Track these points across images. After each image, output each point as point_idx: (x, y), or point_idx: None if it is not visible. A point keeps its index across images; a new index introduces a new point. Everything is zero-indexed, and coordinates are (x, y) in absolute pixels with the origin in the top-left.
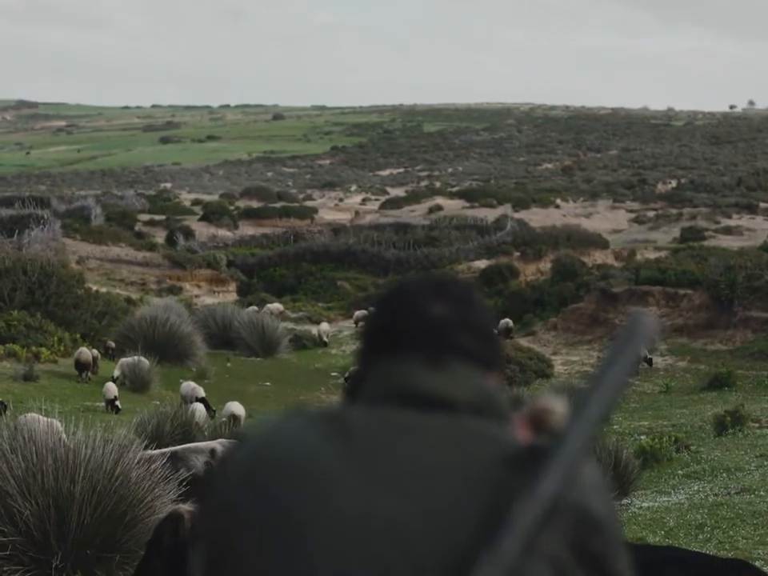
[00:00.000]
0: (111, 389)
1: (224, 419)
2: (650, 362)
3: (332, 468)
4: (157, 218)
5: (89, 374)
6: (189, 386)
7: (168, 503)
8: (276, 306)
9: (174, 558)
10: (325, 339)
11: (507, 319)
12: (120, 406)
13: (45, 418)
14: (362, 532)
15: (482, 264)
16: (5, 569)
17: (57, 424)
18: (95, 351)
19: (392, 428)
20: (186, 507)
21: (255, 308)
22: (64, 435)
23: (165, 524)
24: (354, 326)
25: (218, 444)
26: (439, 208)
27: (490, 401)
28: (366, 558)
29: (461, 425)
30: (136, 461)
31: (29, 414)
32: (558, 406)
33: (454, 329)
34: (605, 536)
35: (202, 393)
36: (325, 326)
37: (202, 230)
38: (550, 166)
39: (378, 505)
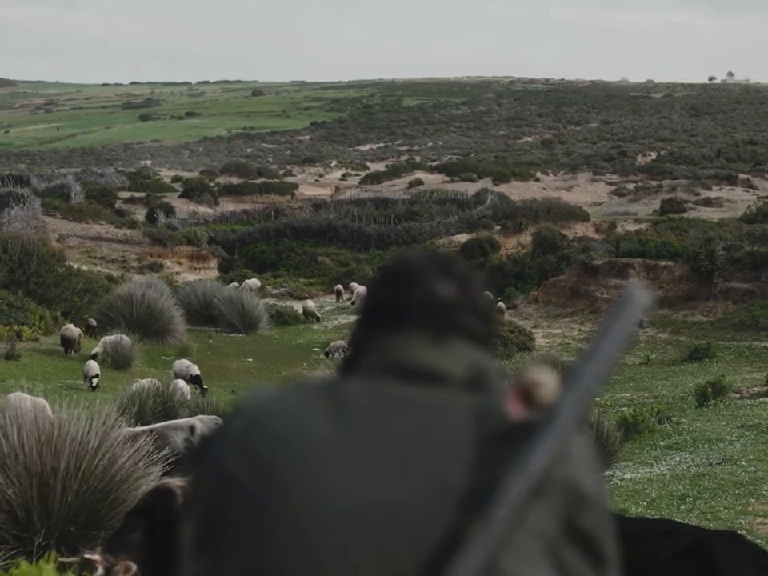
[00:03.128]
0: (93, 366)
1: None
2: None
3: (328, 440)
4: (137, 195)
5: (75, 348)
6: (183, 363)
7: (153, 481)
8: (254, 281)
9: (169, 534)
10: (317, 314)
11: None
12: (98, 385)
13: (31, 397)
14: (359, 503)
15: (462, 238)
16: None
17: (43, 402)
18: (78, 329)
19: (389, 401)
20: (175, 482)
21: (236, 284)
22: (51, 413)
23: (153, 497)
24: (335, 301)
25: (197, 421)
26: (419, 182)
27: (485, 377)
28: (363, 530)
29: (457, 399)
30: (120, 438)
31: (15, 393)
32: (547, 379)
33: (458, 308)
34: (594, 512)
35: (196, 370)
36: (310, 303)
37: (183, 207)
38: (529, 139)
39: (373, 477)
